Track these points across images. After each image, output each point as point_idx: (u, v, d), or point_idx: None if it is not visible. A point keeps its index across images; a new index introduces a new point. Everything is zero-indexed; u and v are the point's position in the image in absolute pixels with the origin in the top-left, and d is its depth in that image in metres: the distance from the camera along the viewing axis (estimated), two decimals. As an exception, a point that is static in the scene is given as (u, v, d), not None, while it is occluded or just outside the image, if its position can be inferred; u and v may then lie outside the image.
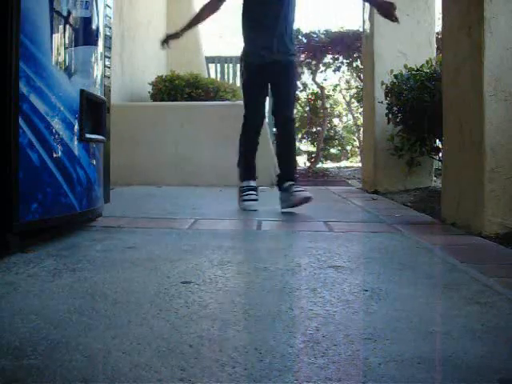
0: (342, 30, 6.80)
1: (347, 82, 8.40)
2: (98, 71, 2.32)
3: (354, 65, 6.93)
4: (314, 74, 7.26)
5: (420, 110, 3.57)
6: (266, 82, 3.12)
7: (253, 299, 1.32)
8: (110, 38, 2.66)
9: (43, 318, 1.15)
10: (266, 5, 3.00)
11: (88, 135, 2.15)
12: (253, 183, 3.14)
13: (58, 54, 1.98)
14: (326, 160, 9.16)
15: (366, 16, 4.50)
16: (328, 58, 7.10)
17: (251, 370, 0.90)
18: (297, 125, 8.23)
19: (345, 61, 6.92)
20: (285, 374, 0.89)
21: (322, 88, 7.45)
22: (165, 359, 0.94)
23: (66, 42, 2.03)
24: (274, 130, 8.06)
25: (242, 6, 3.10)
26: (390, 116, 3.97)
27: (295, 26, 3.20)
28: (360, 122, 8.07)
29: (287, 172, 3.07)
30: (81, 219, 2.24)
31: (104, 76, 2.47)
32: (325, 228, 2.49)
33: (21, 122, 1.76)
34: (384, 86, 4.01)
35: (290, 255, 1.87)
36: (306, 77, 7.44)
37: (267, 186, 4.67)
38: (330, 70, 7.25)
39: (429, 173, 4.33)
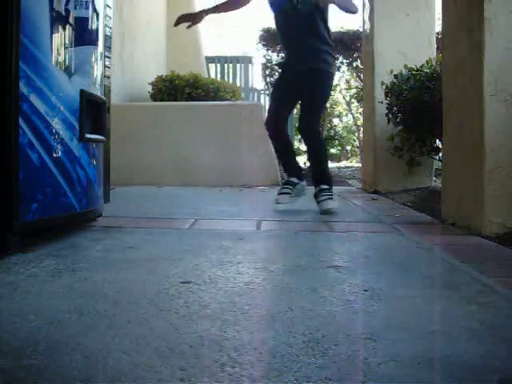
0: (341, 29, 6.80)
1: (347, 81, 8.40)
2: (97, 71, 2.32)
3: (354, 65, 6.94)
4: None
5: (420, 110, 3.57)
6: (291, 94, 3.14)
7: (253, 299, 1.32)
8: (110, 37, 2.66)
9: (43, 318, 1.15)
10: (288, 19, 3.06)
11: (88, 135, 2.15)
12: (292, 179, 3.18)
13: (58, 54, 1.98)
14: (326, 160, 9.14)
15: (366, 16, 4.50)
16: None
17: (251, 370, 0.90)
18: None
19: (345, 61, 6.93)
20: (284, 373, 0.89)
21: (322, 88, 7.45)
22: (165, 359, 0.94)
23: (66, 41, 2.03)
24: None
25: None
26: (390, 116, 3.97)
27: None
28: (360, 122, 8.07)
29: (314, 177, 3.10)
30: (81, 219, 2.24)
31: (104, 76, 2.47)
32: (325, 228, 2.49)
33: (21, 122, 1.76)
34: (384, 86, 4.00)
35: (289, 255, 1.87)
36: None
37: (267, 185, 4.68)
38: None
39: (429, 173, 4.33)
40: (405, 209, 3.30)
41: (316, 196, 3.03)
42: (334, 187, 3.11)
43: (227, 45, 16.90)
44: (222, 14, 3.37)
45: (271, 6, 3.14)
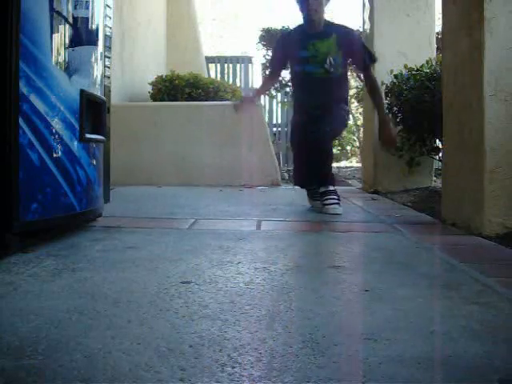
0: (342, 29, 6.79)
1: (347, 82, 8.40)
2: (97, 71, 2.32)
3: (354, 65, 6.93)
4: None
5: (420, 110, 3.57)
6: None
7: (253, 299, 1.32)
8: (110, 38, 2.66)
9: (43, 318, 1.15)
10: (315, 81, 3.06)
11: (88, 135, 2.15)
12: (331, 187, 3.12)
13: (58, 53, 1.98)
14: (326, 160, 9.13)
15: (366, 16, 4.49)
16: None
17: (251, 370, 0.90)
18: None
19: (345, 61, 6.92)
20: (284, 373, 0.89)
21: (322, 88, 7.44)
22: (165, 359, 0.94)
23: (66, 41, 2.02)
24: (274, 129, 7.99)
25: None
26: (390, 116, 3.97)
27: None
28: (360, 122, 8.06)
29: (317, 177, 3.09)
30: (81, 219, 2.24)
31: (104, 76, 2.47)
32: (325, 228, 2.49)
33: (21, 122, 1.76)
34: (384, 86, 4.00)
35: (289, 255, 1.87)
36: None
37: (267, 185, 4.68)
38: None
39: (429, 173, 4.33)
40: (405, 209, 3.30)
41: (322, 195, 3.03)
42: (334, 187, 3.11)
43: (227, 45, 16.91)
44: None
45: (294, 66, 3.16)
